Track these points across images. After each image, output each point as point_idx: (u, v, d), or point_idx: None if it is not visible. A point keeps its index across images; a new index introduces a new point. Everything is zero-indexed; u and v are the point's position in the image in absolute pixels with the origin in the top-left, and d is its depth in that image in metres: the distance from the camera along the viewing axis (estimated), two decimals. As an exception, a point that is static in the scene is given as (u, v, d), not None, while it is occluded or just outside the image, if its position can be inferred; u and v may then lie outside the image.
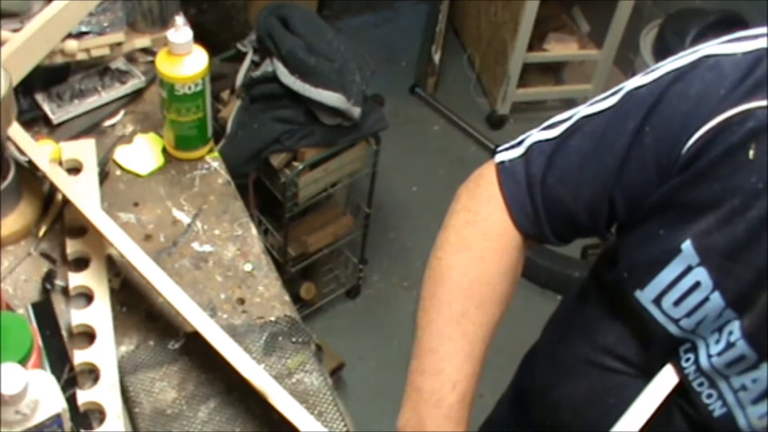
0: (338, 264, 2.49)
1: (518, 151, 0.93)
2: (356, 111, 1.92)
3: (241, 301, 1.17)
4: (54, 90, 1.35)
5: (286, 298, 1.18)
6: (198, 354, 1.09)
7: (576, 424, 1.00)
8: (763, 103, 0.76)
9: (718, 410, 0.84)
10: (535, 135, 0.93)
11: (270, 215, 2.20)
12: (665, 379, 0.87)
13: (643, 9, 3.00)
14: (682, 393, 0.86)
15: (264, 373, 1.02)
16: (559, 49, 2.96)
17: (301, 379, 1.10)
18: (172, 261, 1.20)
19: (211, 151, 1.34)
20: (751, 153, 0.75)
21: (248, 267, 1.21)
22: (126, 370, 1.07)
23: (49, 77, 1.35)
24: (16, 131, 1.20)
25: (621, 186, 0.86)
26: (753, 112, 0.76)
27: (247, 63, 2.01)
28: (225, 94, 2.03)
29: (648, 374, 0.89)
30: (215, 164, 1.33)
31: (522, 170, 0.92)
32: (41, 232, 1.19)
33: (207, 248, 1.22)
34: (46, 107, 1.33)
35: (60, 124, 1.33)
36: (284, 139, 1.93)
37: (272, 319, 1.15)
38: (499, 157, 0.94)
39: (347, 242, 2.37)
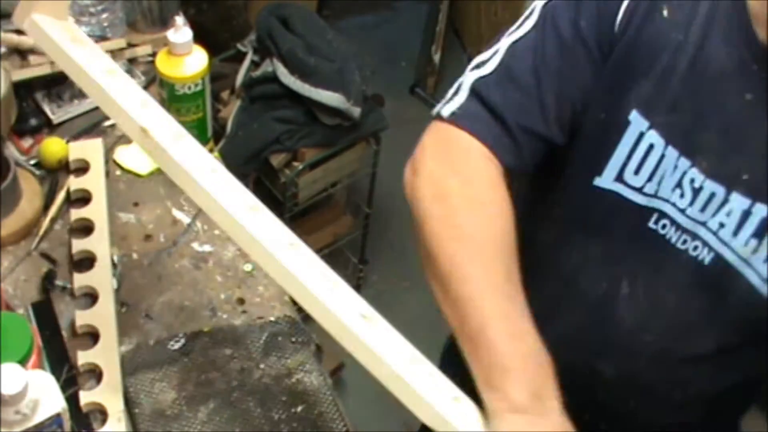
0: (338, 264, 2.49)
1: (462, 97, 0.90)
2: (356, 111, 1.92)
3: (241, 301, 1.17)
4: (54, 90, 1.35)
5: (286, 298, 1.18)
6: (198, 354, 1.09)
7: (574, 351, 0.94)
8: None
9: (707, 258, 0.86)
10: (470, 76, 0.90)
11: (270, 215, 2.20)
12: None
13: (643, 9, 3.00)
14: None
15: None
16: (559, 49, 2.95)
17: (301, 379, 1.10)
18: (172, 261, 1.20)
19: (211, 151, 1.34)
20: (665, 12, 0.81)
21: (248, 267, 1.21)
22: (126, 370, 1.07)
23: (49, 78, 1.34)
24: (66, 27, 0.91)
25: (576, 88, 0.86)
26: None
27: (247, 63, 2.01)
28: (225, 94, 2.03)
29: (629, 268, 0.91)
30: (215, 164, 1.32)
31: (478, 107, 0.88)
32: (41, 232, 1.19)
33: (207, 248, 1.22)
34: (46, 107, 1.33)
35: (60, 124, 1.33)
36: (284, 139, 1.93)
37: (272, 319, 1.15)
38: (446, 111, 0.91)
39: (347, 242, 2.36)
